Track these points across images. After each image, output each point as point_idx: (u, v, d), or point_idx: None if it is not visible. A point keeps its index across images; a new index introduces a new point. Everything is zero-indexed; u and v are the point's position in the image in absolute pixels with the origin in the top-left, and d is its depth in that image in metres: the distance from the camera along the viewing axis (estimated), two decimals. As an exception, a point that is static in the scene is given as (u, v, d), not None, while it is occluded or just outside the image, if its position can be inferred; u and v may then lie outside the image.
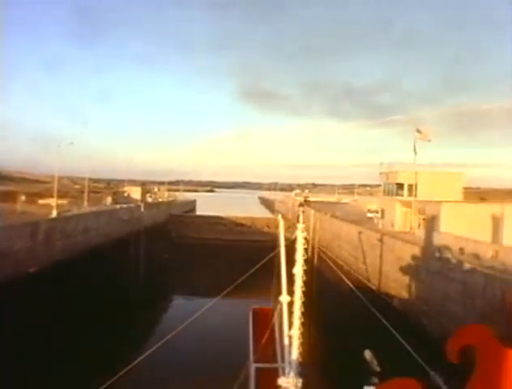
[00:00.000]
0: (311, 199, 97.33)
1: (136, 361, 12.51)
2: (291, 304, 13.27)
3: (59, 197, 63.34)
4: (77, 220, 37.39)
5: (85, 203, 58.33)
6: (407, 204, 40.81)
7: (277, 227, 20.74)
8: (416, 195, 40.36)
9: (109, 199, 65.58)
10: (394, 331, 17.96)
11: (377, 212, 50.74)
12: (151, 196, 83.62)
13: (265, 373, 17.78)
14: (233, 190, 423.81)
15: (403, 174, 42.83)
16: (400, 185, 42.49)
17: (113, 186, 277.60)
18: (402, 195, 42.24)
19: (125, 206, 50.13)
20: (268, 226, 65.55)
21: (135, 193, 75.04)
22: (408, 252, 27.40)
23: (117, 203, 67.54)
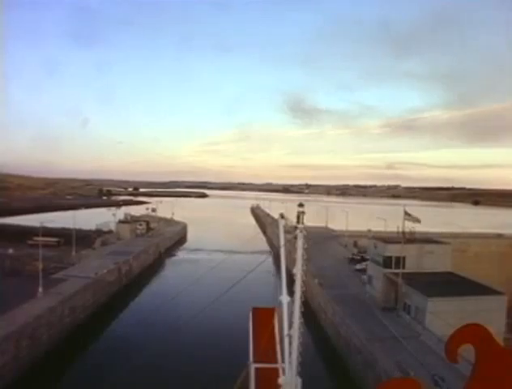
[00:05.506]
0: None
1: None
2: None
3: (46, 234, 62.70)
4: (62, 305, 36.89)
5: (73, 252, 57.86)
6: (395, 276, 40.72)
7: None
8: (403, 267, 40.28)
9: (99, 242, 65.11)
10: None
11: (366, 265, 50.74)
12: (141, 225, 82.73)
13: (265, 373, 17.79)
14: (227, 191, 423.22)
15: (392, 247, 42.59)
16: (388, 258, 42.24)
17: (105, 193, 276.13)
18: (390, 267, 42.00)
19: (112, 266, 49.50)
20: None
21: (124, 231, 74.13)
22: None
23: (106, 245, 67.17)
